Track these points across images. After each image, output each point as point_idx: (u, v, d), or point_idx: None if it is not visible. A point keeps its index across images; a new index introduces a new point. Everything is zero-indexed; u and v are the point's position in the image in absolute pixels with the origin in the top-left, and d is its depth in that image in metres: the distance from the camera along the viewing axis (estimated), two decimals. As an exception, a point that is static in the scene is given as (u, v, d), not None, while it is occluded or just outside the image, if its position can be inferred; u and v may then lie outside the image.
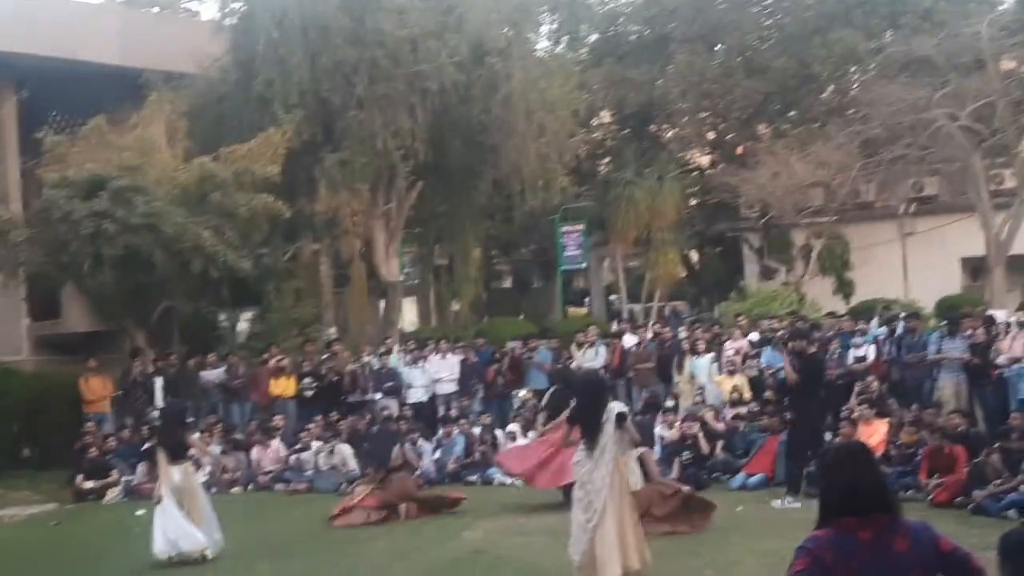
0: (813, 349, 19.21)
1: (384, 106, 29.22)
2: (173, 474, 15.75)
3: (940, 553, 5.32)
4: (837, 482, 5.32)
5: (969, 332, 21.30)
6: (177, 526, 15.43)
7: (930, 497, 16.94)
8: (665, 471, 19.74)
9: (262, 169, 26.23)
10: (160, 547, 15.38)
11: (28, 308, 28.58)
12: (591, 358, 24.85)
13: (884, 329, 23.59)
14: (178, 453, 15.95)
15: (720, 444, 21.16)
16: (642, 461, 15.61)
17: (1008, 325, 21.38)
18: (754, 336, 24.79)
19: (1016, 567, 7.41)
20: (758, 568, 13.02)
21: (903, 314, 24.50)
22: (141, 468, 22.96)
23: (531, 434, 22.28)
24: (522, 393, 25.03)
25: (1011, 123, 32.23)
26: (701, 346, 24.06)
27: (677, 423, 21.60)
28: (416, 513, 18.36)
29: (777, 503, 17.61)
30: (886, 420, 19.55)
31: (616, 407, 12.90)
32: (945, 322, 22.97)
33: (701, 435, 20.86)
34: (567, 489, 16.22)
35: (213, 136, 29.69)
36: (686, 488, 16.47)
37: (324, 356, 26.83)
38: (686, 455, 20.64)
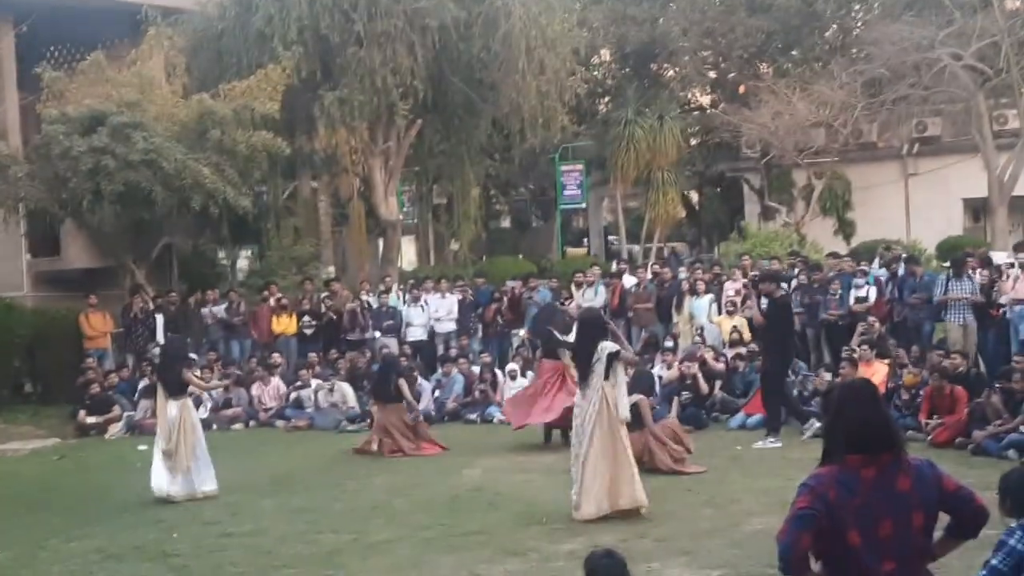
0: (781, 292, 19.14)
1: (383, 43, 29.03)
2: (170, 409, 15.80)
3: (944, 492, 5.31)
4: (844, 419, 5.28)
5: (975, 272, 21.23)
6: (161, 473, 15.57)
7: (930, 437, 16.99)
8: (664, 411, 19.86)
9: (261, 106, 26.14)
10: (156, 484, 15.53)
11: (28, 244, 28.53)
12: (590, 298, 24.84)
13: (884, 271, 23.58)
14: (176, 389, 15.96)
15: (719, 384, 21.20)
16: (638, 408, 15.61)
17: (1011, 266, 21.32)
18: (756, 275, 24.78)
19: (1016, 504, 7.45)
20: (756, 506, 13.07)
21: (903, 255, 24.46)
22: (143, 404, 23.03)
23: (530, 373, 22.40)
24: (521, 332, 25.09)
25: (1016, 63, 32.02)
26: (701, 287, 24.05)
27: (676, 363, 21.64)
28: (394, 448, 18.51)
29: (758, 444, 17.65)
30: (886, 361, 19.55)
31: (608, 347, 12.99)
32: (948, 263, 22.86)
33: (700, 375, 20.89)
34: (562, 430, 16.36)
35: (212, 73, 29.57)
36: (675, 447, 16.36)
37: (324, 295, 26.81)
38: (685, 395, 20.71)
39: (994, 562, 7.43)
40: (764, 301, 18.55)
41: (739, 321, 22.89)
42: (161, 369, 16.98)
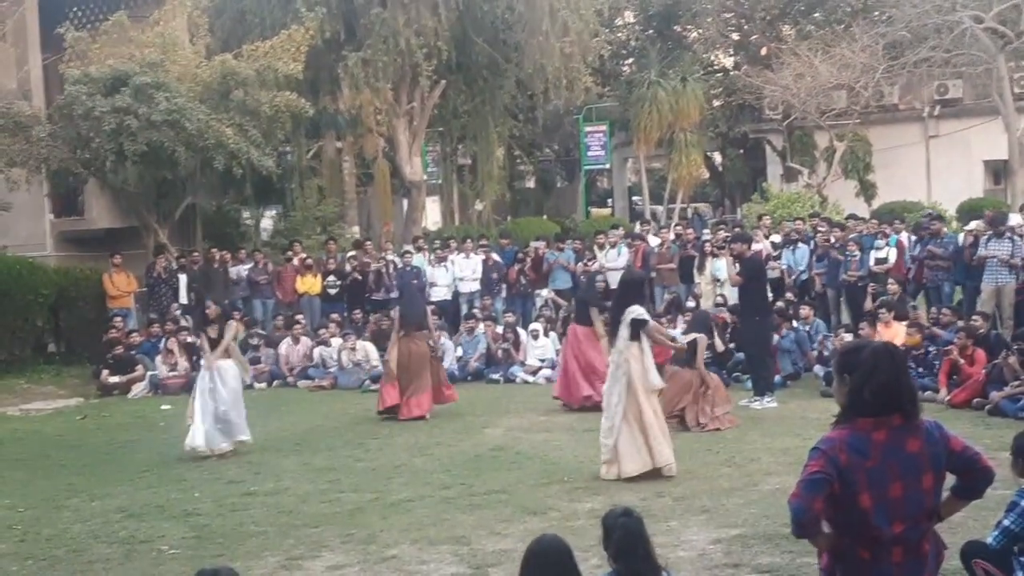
0: (751, 252, 19.15)
1: (407, 4, 29.06)
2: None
3: (951, 452, 5.35)
4: (875, 382, 5.27)
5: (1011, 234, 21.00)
6: (199, 424, 15.66)
7: (948, 398, 17.03)
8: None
9: (284, 67, 26.18)
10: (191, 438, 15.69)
11: (51, 204, 28.63)
12: (613, 259, 24.88)
13: (910, 236, 23.42)
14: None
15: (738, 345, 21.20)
16: (695, 345, 16.44)
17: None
18: (776, 238, 24.78)
19: None
20: (775, 465, 13.13)
21: (926, 215, 24.42)
22: (159, 359, 23.23)
23: (552, 334, 22.45)
24: (544, 292, 25.17)
25: (1037, 25, 31.95)
26: (717, 248, 23.99)
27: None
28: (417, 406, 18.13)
29: (756, 405, 17.68)
30: (904, 323, 19.53)
31: (633, 311, 13.04)
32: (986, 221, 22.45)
33: (716, 334, 20.87)
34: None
35: (235, 33, 29.68)
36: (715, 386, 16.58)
37: (351, 254, 26.86)
38: (706, 355, 20.71)
39: (1006, 523, 7.50)
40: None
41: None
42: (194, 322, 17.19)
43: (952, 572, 7.81)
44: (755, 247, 21.74)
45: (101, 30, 27.01)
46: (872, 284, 21.77)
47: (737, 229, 25.49)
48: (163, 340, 23.99)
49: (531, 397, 19.75)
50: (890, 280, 21.35)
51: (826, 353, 20.06)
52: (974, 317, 18.83)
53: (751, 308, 18.31)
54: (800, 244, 23.86)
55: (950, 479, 5.46)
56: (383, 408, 18.19)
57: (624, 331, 12.97)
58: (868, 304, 21.14)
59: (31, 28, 27.80)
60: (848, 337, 19.47)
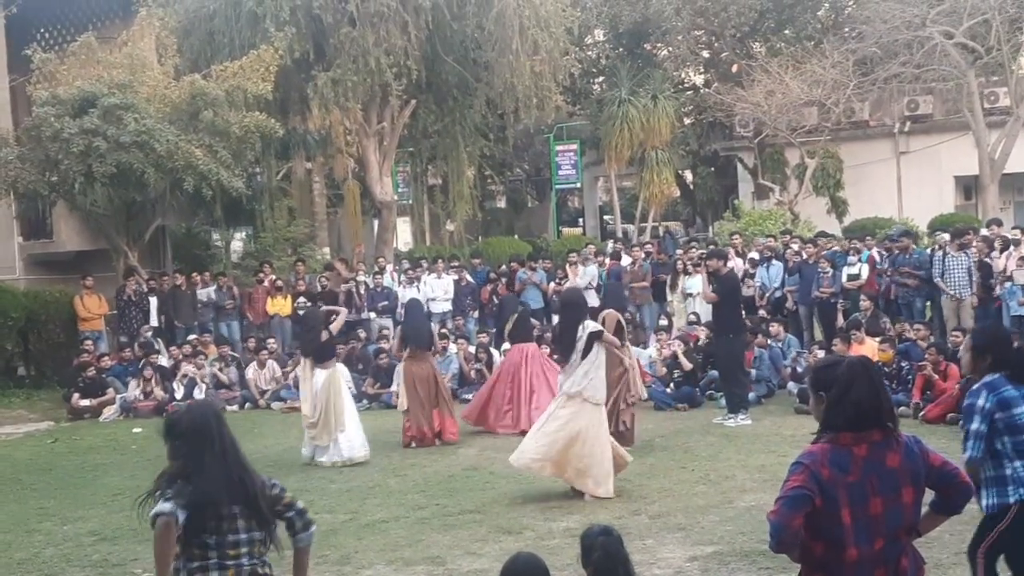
0: (727, 269, 19.13)
1: (376, 23, 28.97)
2: (316, 378, 16.28)
3: (930, 467, 5.33)
4: (851, 397, 5.25)
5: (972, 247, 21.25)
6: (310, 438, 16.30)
7: (922, 413, 17.06)
8: (662, 389, 20.05)
9: (254, 87, 26.11)
10: (305, 451, 16.38)
11: (19, 227, 28.44)
12: (584, 277, 24.94)
13: (879, 251, 23.51)
14: (321, 357, 16.45)
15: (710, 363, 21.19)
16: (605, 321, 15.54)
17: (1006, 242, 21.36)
18: (754, 255, 24.81)
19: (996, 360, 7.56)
20: (750, 482, 13.13)
21: (894, 231, 24.54)
22: (132, 385, 23.11)
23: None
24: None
25: (1006, 41, 32.10)
26: (691, 266, 23.95)
27: (668, 342, 21.68)
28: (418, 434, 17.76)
29: (730, 423, 17.66)
30: (876, 338, 19.55)
31: (591, 326, 13.38)
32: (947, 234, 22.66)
33: (680, 353, 20.84)
34: None
35: (204, 53, 29.56)
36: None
37: (325, 274, 26.78)
38: (677, 374, 20.72)
39: (973, 426, 7.33)
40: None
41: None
42: (303, 339, 17.28)
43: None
44: (735, 263, 21.81)
45: (69, 51, 26.86)
46: (842, 301, 21.86)
47: (712, 246, 25.54)
48: (137, 364, 23.87)
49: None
50: (862, 297, 21.41)
51: (799, 370, 20.09)
52: (953, 333, 18.89)
53: (725, 325, 18.27)
54: (774, 261, 23.91)
55: (928, 494, 5.43)
56: (412, 442, 17.55)
57: (581, 345, 13.10)
58: (840, 321, 21.22)
59: (-2, 49, 27.68)
60: (822, 354, 19.51)
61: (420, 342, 17.99)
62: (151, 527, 6.00)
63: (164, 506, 5.96)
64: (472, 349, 23.35)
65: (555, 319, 24.43)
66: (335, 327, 16.91)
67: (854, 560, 5.18)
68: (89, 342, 24.75)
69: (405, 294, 25.83)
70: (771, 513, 5.21)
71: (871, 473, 5.19)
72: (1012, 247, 20.89)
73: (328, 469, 15.80)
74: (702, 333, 21.55)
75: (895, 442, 5.29)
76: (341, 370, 22.47)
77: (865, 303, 21.10)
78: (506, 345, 21.35)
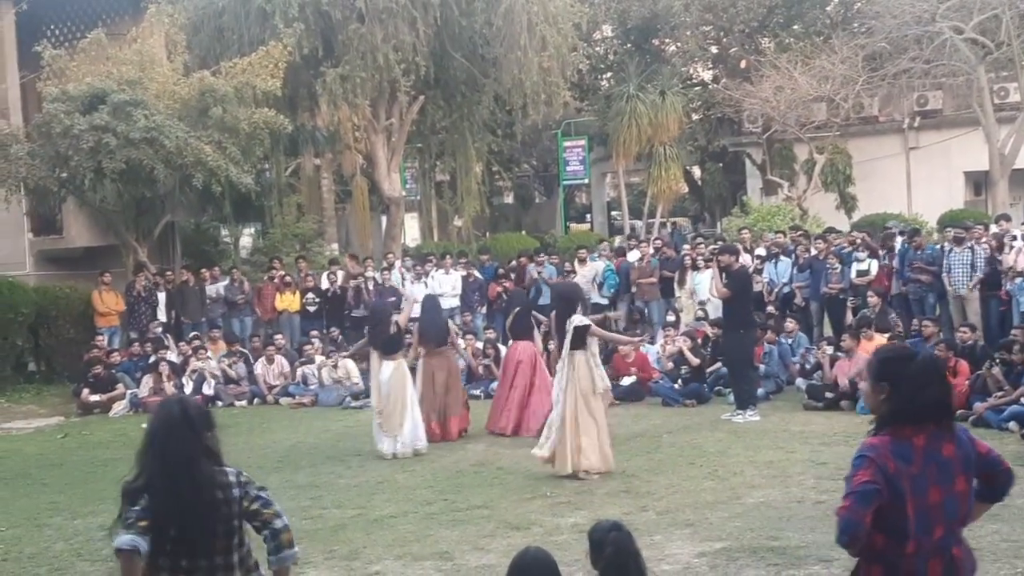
0: (739, 264, 19.10)
1: (385, 19, 29.00)
2: (383, 370, 16.31)
3: (979, 455, 5.36)
4: (928, 396, 5.24)
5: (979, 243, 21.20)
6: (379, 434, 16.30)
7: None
8: (669, 385, 20.06)
9: (263, 83, 26.13)
10: (378, 445, 16.32)
11: (30, 223, 28.52)
12: (590, 272, 25.03)
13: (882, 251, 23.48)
14: (389, 349, 16.42)
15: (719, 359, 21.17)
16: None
17: (1014, 237, 21.32)
18: (760, 251, 24.78)
19: None
20: (758, 478, 13.11)
21: (900, 230, 24.46)
22: (145, 380, 23.14)
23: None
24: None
25: (1016, 36, 32.03)
26: (702, 262, 23.94)
27: (676, 338, 21.68)
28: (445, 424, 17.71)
29: (739, 419, 17.62)
30: (887, 335, 19.53)
31: (576, 320, 13.99)
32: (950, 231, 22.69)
33: (687, 349, 20.83)
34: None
35: (213, 50, 29.61)
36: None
37: (332, 268, 26.79)
38: (684, 370, 20.71)
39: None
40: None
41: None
42: (371, 331, 17.12)
43: None
44: (744, 258, 21.78)
45: (79, 48, 26.91)
46: (852, 299, 21.82)
47: (721, 242, 25.54)
48: (146, 360, 23.92)
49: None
50: (869, 293, 21.35)
51: (807, 366, 20.09)
52: (961, 329, 18.87)
53: (735, 321, 18.17)
54: (782, 257, 23.88)
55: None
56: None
57: (568, 340, 13.82)
58: (849, 318, 21.19)
59: (8, 46, 27.71)
60: (830, 350, 19.51)
61: (437, 338, 18.02)
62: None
63: (123, 539, 5.59)
64: (480, 345, 23.38)
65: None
66: (403, 319, 16.97)
67: (913, 552, 5.17)
68: (100, 338, 24.82)
69: (413, 290, 25.86)
70: (841, 509, 5.11)
71: (930, 463, 5.19)
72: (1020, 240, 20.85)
73: (336, 464, 15.82)
74: (709, 329, 21.51)
75: (949, 432, 5.31)
76: (351, 366, 22.74)
77: (873, 299, 21.05)
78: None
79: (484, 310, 26.08)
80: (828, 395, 18.46)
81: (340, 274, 26.44)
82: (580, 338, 13.94)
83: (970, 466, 5.29)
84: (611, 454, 14.09)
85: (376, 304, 18.50)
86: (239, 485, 5.92)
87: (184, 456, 5.74)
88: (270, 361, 23.76)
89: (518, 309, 18.86)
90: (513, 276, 26.12)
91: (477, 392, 22.21)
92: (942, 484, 5.20)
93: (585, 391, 13.95)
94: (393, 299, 25.29)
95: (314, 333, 24.68)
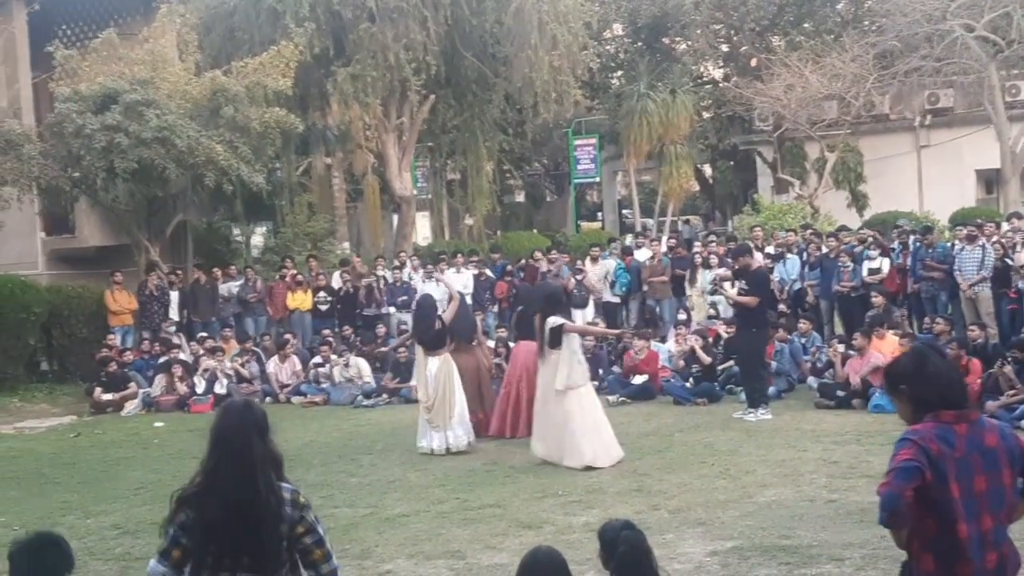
0: (756, 264, 19.04)
1: (396, 19, 29.07)
2: (429, 366, 16.35)
3: (1022, 450, 5.38)
4: (928, 371, 5.36)
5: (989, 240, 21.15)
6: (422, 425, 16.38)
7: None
8: (681, 384, 20.06)
9: (274, 83, 26.18)
10: (420, 441, 16.37)
11: (42, 223, 28.58)
12: (601, 271, 25.07)
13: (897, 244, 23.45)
14: (434, 345, 16.45)
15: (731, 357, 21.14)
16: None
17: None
18: (770, 249, 24.76)
19: None
20: (770, 477, 13.10)
21: (912, 228, 24.41)
22: (158, 380, 23.18)
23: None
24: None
25: (1027, 34, 32.00)
26: (715, 260, 23.89)
27: (686, 337, 21.69)
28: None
29: (751, 418, 17.59)
30: (897, 333, 19.47)
31: (552, 321, 14.70)
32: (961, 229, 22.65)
33: (698, 348, 20.84)
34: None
35: (224, 50, 29.67)
36: None
37: (344, 268, 26.82)
38: (695, 368, 20.72)
39: None
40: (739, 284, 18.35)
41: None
42: (417, 326, 17.11)
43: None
44: (758, 257, 21.72)
45: (91, 48, 26.96)
46: (873, 297, 21.64)
47: (731, 241, 25.49)
48: (157, 359, 23.97)
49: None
50: (872, 293, 21.25)
51: (819, 365, 20.08)
52: (971, 327, 18.83)
53: (750, 320, 18.09)
54: (789, 255, 23.85)
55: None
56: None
57: (546, 337, 14.74)
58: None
59: (21, 46, 27.77)
60: (842, 348, 19.50)
61: (464, 336, 18.03)
62: None
63: (156, 569, 5.50)
64: (492, 344, 23.37)
65: (574, 314, 24.57)
66: (448, 315, 16.97)
67: (965, 537, 5.17)
68: (112, 337, 24.86)
69: (424, 289, 25.87)
70: (882, 485, 5.14)
71: (974, 451, 5.22)
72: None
73: (348, 463, 15.84)
74: (723, 328, 21.47)
75: (989, 424, 5.39)
76: (363, 365, 22.76)
77: (877, 299, 20.91)
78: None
79: (496, 308, 26.08)
80: (840, 393, 18.42)
81: (347, 276, 26.43)
82: (556, 337, 14.71)
83: (1015, 460, 5.33)
84: (597, 450, 14.63)
85: (422, 299, 18.33)
86: (294, 505, 5.55)
87: (254, 461, 5.45)
88: (284, 360, 23.79)
89: (521, 308, 18.85)
90: (522, 274, 26.08)
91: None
92: (988, 473, 5.23)
93: (555, 387, 14.71)
94: (404, 297, 25.43)
95: (327, 333, 24.66)
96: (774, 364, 20.05)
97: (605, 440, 14.79)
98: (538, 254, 26.86)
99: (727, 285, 18.71)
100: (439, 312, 17.21)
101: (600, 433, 14.80)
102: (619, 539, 5.81)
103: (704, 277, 23.96)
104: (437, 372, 16.24)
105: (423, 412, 16.34)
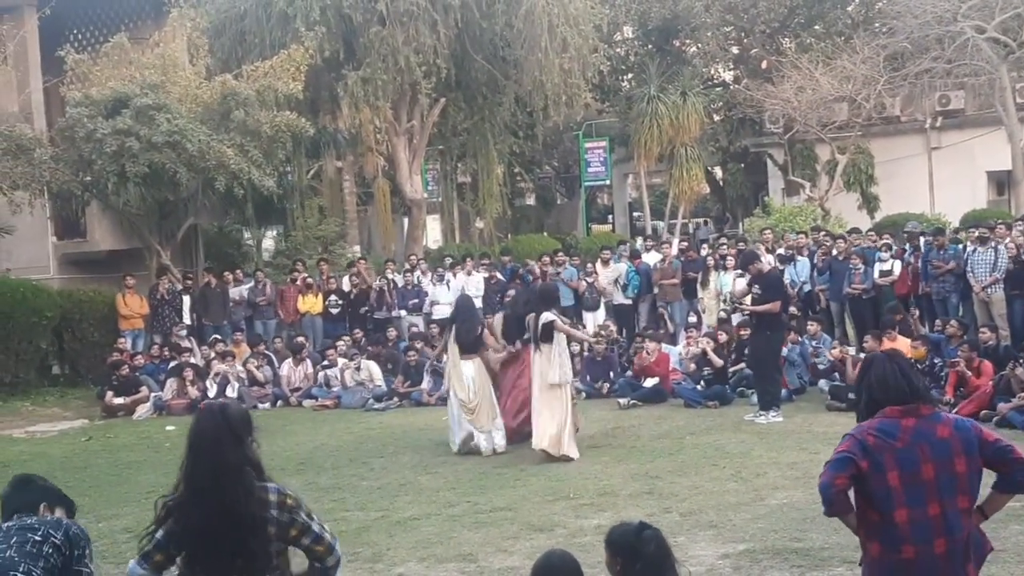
0: (768, 268, 19.01)
1: (406, 22, 29.10)
2: (465, 369, 16.36)
3: (983, 441, 5.60)
4: (873, 375, 5.73)
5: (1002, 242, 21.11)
6: (457, 425, 16.39)
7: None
8: (692, 387, 20.03)
9: (284, 86, 26.23)
10: (456, 438, 16.44)
11: (53, 227, 28.61)
12: (612, 274, 25.05)
13: (908, 246, 23.42)
14: (470, 347, 16.44)
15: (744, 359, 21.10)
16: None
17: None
18: (780, 251, 24.72)
19: None
20: (781, 479, 13.08)
21: (920, 228, 24.38)
22: (170, 383, 23.20)
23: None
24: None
25: (1039, 35, 31.96)
26: (730, 262, 23.80)
27: (698, 339, 21.67)
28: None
29: (762, 420, 17.55)
30: (908, 336, 19.42)
31: (544, 317, 15.18)
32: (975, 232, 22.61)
33: (710, 349, 20.83)
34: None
35: (235, 53, 29.75)
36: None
37: (353, 270, 26.80)
38: (707, 371, 20.70)
39: None
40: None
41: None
42: (460, 330, 16.82)
43: None
44: (767, 259, 21.69)
45: (101, 52, 27.03)
46: (891, 302, 21.55)
47: (741, 245, 25.41)
48: (168, 363, 23.98)
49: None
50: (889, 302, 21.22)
51: (821, 367, 20.12)
52: (981, 329, 18.79)
53: (765, 322, 18.03)
54: (799, 257, 23.83)
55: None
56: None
57: (539, 334, 15.25)
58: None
59: (32, 51, 27.81)
60: (851, 350, 19.49)
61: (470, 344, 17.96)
62: None
63: (135, 570, 5.59)
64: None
65: (585, 316, 24.59)
66: (494, 324, 17.13)
67: (905, 521, 5.49)
68: (122, 340, 24.88)
69: (435, 292, 25.90)
70: (819, 476, 5.65)
71: (921, 441, 5.53)
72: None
73: (359, 466, 15.83)
74: (733, 331, 21.44)
75: (944, 418, 5.69)
76: (374, 368, 22.77)
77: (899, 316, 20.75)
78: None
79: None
80: (851, 396, 18.34)
81: (355, 279, 26.41)
82: (547, 333, 15.25)
83: (972, 449, 5.56)
84: (566, 442, 15.20)
85: (461, 300, 18.24)
86: (281, 507, 5.50)
87: (228, 466, 5.43)
88: (298, 363, 23.81)
89: (507, 312, 18.46)
90: (531, 277, 25.96)
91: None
92: (936, 461, 5.52)
93: (549, 381, 15.25)
94: (415, 301, 25.45)
95: (344, 339, 24.58)
96: (786, 365, 20.01)
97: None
98: (546, 258, 26.64)
99: (747, 300, 18.57)
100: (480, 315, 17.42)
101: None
102: (644, 539, 5.76)
103: (718, 280, 23.91)
104: (475, 375, 16.29)
105: (464, 413, 16.24)
